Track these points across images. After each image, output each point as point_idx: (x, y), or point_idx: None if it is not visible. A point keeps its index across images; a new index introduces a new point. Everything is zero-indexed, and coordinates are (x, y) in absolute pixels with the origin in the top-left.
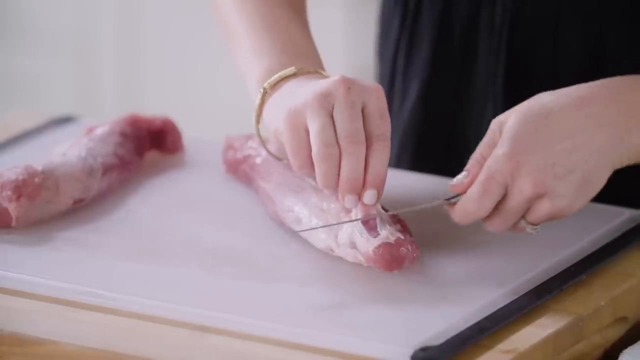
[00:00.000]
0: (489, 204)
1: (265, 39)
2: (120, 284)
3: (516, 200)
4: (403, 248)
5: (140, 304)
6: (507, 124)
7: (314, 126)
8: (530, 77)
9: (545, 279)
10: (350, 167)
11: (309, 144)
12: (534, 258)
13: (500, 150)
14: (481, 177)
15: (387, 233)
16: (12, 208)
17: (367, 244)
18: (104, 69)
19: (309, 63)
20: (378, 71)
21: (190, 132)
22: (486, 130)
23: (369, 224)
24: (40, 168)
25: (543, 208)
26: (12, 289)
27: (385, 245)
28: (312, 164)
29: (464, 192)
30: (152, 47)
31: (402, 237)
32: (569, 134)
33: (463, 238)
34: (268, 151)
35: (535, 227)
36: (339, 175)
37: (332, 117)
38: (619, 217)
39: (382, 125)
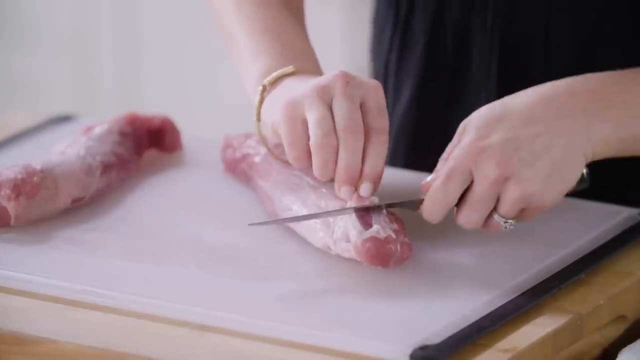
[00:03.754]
0: (453, 190)
1: (263, 41)
2: (120, 283)
3: (481, 185)
4: (391, 246)
5: (140, 303)
6: (470, 119)
7: (313, 116)
8: (522, 78)
9: (544, 278)
10: (347, 157)
11: (306, 136)
12: (532, 256)
13: (464, 140)
14: (446, 166)
15: (378, 228)
16: (11, 207)
17: (357, 236)
18: (103, 68)
19: (307, 65)
20: (372, 72)
21: (189, 131)
22: None
23: (364, 219)
24: (39, 167)
25: (511, 193)
26: (11, 288)
27: (373, 239)
28: (309, 156)
29: None
30: (151, 46)
31: (394, 236)
32: (531, 122)
33: (462, 236)
34: (268, 149)
35: (508, 221)
36: (335, 165)
37: (330, 110)
38: (617, 216)
39: (381, 120)
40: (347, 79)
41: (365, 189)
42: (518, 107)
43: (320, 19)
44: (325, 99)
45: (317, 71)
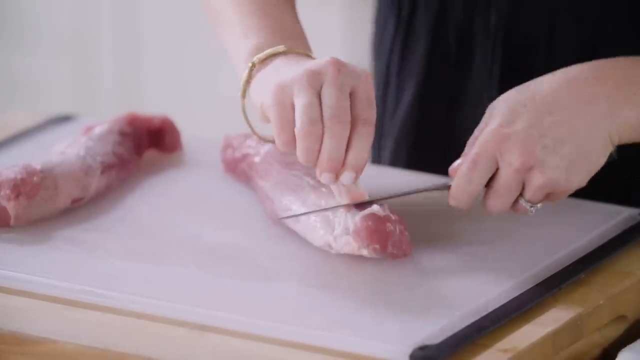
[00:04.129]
0: (478, 178)
1: (253, 20)
2: (119, 283)
3: (506, 173)
4: (389, 224)
5: (139, 303)
6: (495, 105)
7: (300, 102)
8: (525, 79)
9: (544, 278)
10: (331, 146)
11: (295, 121)
12: (532, 256)
13: (489, 126)
14: (471, 153)
15: (378, 208)
16: (10, 207)
17: (357, 216)
18: (103, 68)
19: (297, 45)
20: (373, 71)
21: (189, 131)
22: None
23: (363, 207)
24: (39, 167)
25: (535, 181)
26: (11, 288)
27: (372, 215)
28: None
29: None
30: (151, 46)
31: (393, 218)
32: (555, 108)
33: (461, 237)
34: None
35: (533, 205)
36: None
37: (319, 96)
38: (617, 216)
39: (369, 110)
40: (339, 67)
41: (347, 177)
42: (543, 92)
43: (321, 19)
44: (315, 85)
45: (307, 52)
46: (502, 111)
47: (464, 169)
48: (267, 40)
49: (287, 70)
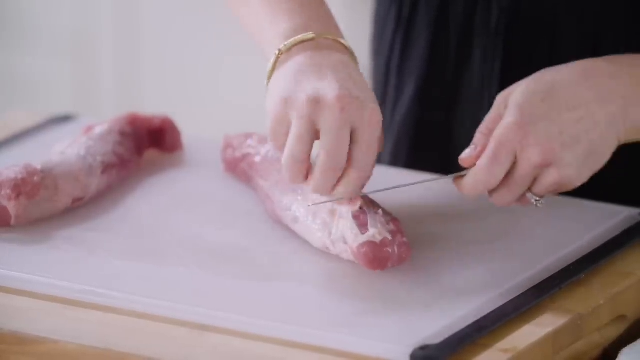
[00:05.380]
0: (499, 173)
1: (281, 3)
2: (120, 283)
3: (524, 169)
4: (388, 249)
5: (140, 303)
6: (512, 96)
7: (292, 132)
8: (526, 76)
9: (544, 278)
10: (318, 184)
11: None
12: (532, 257)
13: (508, 119)
14: (491, 146)
15: (375, 232)
16: (11, 206)
17: (354, 240)
18: (103, 67)
19: (327, 29)
20: (372, 69)
21: (189, 131)
22: None
23: (360, 220)
24: (39, 167)
25: (550, 177)
26: (11, 288)
27: (370, 243)
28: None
29: (473, 165)
30: (151, 45)
31: (390, 238)
32: (574, 105)
33: (461, 237)
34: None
35: (540, 199)
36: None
37: (314, 126)
38: (617, 216)
39: (366, 156)
40: (343, 104)
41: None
42: (562, 86)
43: None
44: (314, 116)
45: (338, 38)
46: (520, 103)
47: (485, 163)
48: (293, 23)
49: (301, 79)
